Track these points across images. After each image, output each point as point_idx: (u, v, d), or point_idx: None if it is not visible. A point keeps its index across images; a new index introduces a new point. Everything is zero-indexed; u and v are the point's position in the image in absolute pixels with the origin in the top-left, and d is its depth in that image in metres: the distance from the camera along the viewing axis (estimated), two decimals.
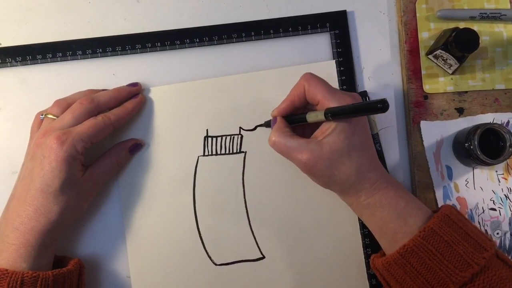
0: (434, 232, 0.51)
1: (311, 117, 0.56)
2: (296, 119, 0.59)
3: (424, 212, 0.54)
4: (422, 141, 0.64)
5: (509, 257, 0.62)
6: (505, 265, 0.51)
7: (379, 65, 0.67)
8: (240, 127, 0.64)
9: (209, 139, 0.64)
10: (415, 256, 0.51)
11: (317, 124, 0.57)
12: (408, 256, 0.51)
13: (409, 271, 0.51)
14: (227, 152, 0.64)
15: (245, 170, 0.64)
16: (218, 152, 0.64)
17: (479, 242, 0.51)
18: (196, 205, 0.63)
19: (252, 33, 0.66)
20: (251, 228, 0.63)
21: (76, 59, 0.65)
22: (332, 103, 0.54)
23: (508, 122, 0.65)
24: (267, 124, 0.63)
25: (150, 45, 0.65)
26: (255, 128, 0.64)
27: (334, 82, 0.65)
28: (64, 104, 0.59)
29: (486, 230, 0.64)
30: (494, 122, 0.65)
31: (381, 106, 0.47)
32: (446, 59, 0.63)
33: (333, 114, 0.52)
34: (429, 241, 0.51)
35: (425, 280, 0.50)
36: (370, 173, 0.55)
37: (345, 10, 0.66)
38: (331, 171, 0.54)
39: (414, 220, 0.53)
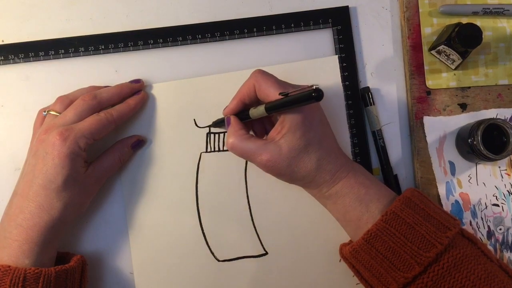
0: (396, 215, 0.52)
1: (254, 113, 0.56)
2: (243, 116, 0.59)
3: (386, 196, 0.55)
4: (425, 136, 0.64)
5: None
6: (471, 243, 0.51)
7: (381, 61, 0.66)
8: None
9: (212, 135, 0.64)
10: (379, 241, 0.52)
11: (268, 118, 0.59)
12: (373, 241, 0.52)
13: (375, 256, 0.52)
14: None
15: (247, 166, 0.64)
16: (221, 149, 0.64)
17: (442, 222, 0.51)
18: (199, 201, 0.63)
19: (255, 29, 0.65)
20: (253, 224, 0.63)
21: (78, 56, 0.65)
22: None
23: (511, 118, 0.65)
24: (216, 124, 0.63)
25: (152, 42, 0.65)
26: (209, 127, 0.65)
27: (337, 78, 0.65)
28: (66, 101, 0.59)
29: (488, 226, 0.64)
30: (497, 117, 0.64)
31: (316, 95, 0.47)
32: (449, 55, 0.63)
33: (271, 109, 0.53)
34: (392, 224, 0.51)
35: (391, 264, 0.51)
36: (329, 165, 0.55)
37: (348, 6, 0.66)
38: (292, 169, 0.54)
39: (376, 205, 0.54)
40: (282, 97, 0.52)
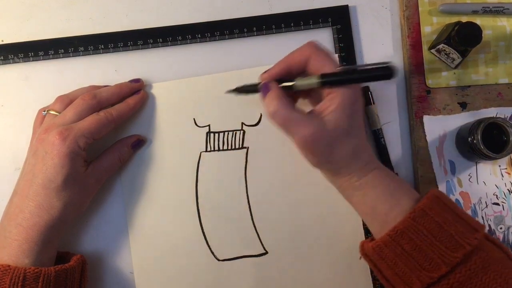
0: (425, 213, 0.50)
1: (301, 83, 0.53)
2: (282, 86, 0.55)
3: (413, 193, 0.54)
4: (425, 136, 0.64)
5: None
6: (495, 246, 0.50)
7: (381, 60, 0.66)
8: (242, 123, 0.64)
9: (212, 134, 0.64)
10: (405, 238, 0.50)
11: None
12: (399, 238, 0.50)
13: (400, 254, 0.50)
14: (229, 147, 0.64)
15: (247, 166, 0.64)
16: (221, 148, 0.64)
17: (469, 223, 0.50)
18: (199, 201, 0.63)
19: (254, 29, 0.65)
20: (253, 224, 0.63)
21: (78, 56, 0.65)
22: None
23: (511, 116, 0.65)
24: (243, 89, 0.59)
25: (152, 41, 0.65)
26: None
27: None
28: (66, 100, 0.59)
29: (489, 225, 0.63)
30: (497, 116, 0.64)
31: (389, 73, 0.45)
32: (449, 53, 0.62)
33: (329, 81, 0.50)
34: (420, 222, 0.49)
35: (416, 262, 0.49)
36: (364, 153, 0.54)
37: (347, 5, 0.66)
38: (331, 149, 0.52)
39: (406, 200, 0.52)
40: (341, 70, 0.49)
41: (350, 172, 0.54)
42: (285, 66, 0.55)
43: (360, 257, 0.58)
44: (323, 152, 0.52)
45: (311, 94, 0.58)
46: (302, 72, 0.55)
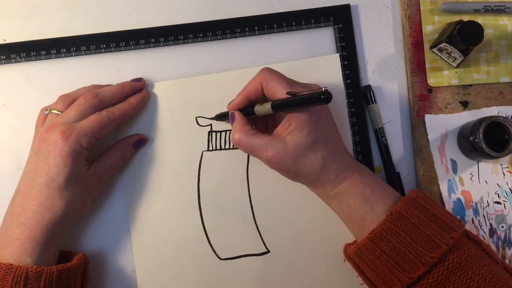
0: (401, 215, 0.52)
1: (260, 110, 0.56)
2: (246, 112, 0.59)
3: (391, 196, 0.55)
4: (427, 134, 0.64)
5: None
6: (475, 244, 0.51)
7: (383, 59, 0.66)
8: None
9: (213, 134, 0.64)
10: (384, 240, 0.51)
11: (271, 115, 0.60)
12: (378, 241, 0.52)
13: (380, 256, 0.52)
14: (231, 147, 0.64)
15: (249, 165, 0.64)
16: (223, 147, 0.64)
17: (447, 223, 0.51)
18: (201, 200, 0.63)
19: (256, 28, 0.65)
20: (255, 223, 0.63)
21: (80, 55, 0.65)
22: None
23: None
24: (219, 117, 0.63)
25: (153, 41, 0.65)
26: (210, 123, 0.65)
27: (338, 76, 0.65)
28: (68, 100, 0.59)
29: (491, 224, 0.63)
30: (499, 115, 0.64)
31: (324, 97, 0.47)
32: (451, 52, 0.62)
33: (278, 107, 0.53)
34: (397, 224, 0.51)
35: (395, 263, 0.51)
36: (335, 164, 0.55)
37: (349, 4, 0.66)
38: (297, 166, 0.54)
39: (381, 205, 0.54)
40: (290, 96, 0.52)
41: (323, 183, 0.56)
42: (244, 96, 0.58)
43: (344, 260, 0.61)
44: (290, 170, 0.55)
45: (274, 117, 0.63)
46: (261, 97, 0.58)
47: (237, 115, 0.58)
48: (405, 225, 0.51)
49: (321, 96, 0.47)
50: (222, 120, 0.64)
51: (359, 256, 0.54)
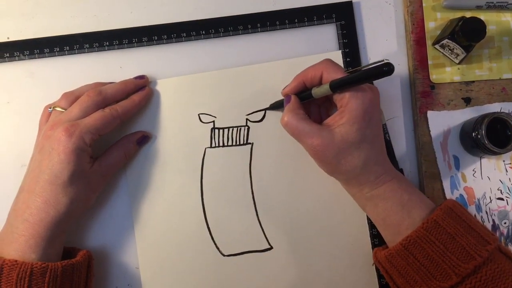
0: (437, 224, 0.51)
1: (317, 91, 0.56)
2: (302, 96, 0.59)
3: (427, 205, 0.55)
4: (429, 131, 0.64)
5: None
6: (508, 259, 0.51)
7: (385, 56, 0.66)
8: (247, 119, 0.64)
9: (216, 130, 0.64)
10: (418, 248, 0.51)
11: (326, 107, 0.59)
12: (411, 248, 0.52)
13: (412, 263, 0.52)
14: (234, 143, 0.64)
15: (252, 161, 0.64)
16: (225, 144, 0.64)
17: (482, 235, 0.51)
18: (204, 196, 0.64)
19: (258, 25, 0.66)
20: (258, 219, 0.63)
21: (83, 53, 0.65)
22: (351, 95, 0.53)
23: None
24: (274, 107, 0.64)
25: (156, 38, 0.65)
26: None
27: None
28: (72, 97, 0.59)
29: (493, 220, 0.63)
30: (501, 111, 0.64)
31: (387, 69, 0.47)
32: (453, 49, 0.63)
33: (337, 86, 0.53)
34: (432, 232, 0.51)
35: (427, 272, 0.51)
36: (376, 166, 0.55)
37: (351, 1, 0.66)
38: (338, 160, 0.54)
39: (418, 212, 0.54)
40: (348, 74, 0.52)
41: (360, 184, 0.55)
42: (301, 80, 0.58)
43: (373, 264, 0.61)
44: (331, 162, 0.54)
45: (328, 108, 0.62)
46: (317, 84, 0.57)
47: (293, 97, 0.58)
48: (441, 234, 0.51)
49: (383, 68, 0.46)
50: (277, 109, 0.64)
51: (389, 261, 0.54)
